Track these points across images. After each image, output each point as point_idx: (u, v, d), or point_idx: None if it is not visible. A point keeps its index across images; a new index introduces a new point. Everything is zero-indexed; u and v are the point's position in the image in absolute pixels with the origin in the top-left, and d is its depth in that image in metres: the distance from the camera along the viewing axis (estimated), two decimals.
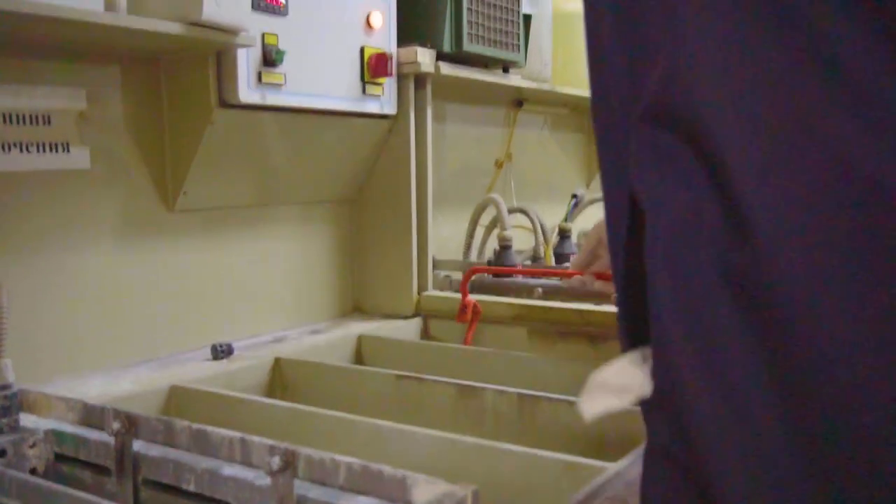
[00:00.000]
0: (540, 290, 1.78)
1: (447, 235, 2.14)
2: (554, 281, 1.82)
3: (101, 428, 0.91)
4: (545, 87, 2.21)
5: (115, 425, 0.88)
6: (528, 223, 2.10)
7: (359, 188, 1.87)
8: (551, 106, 2.57)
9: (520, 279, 1.85)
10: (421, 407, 1.28)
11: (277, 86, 1.48)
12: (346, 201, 1.87)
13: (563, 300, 1.75)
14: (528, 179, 2.54)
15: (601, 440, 1.14)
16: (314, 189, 1.77)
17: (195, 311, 1.54)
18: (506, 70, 2.06)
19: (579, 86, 2.40)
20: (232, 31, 1.33)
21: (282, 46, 1.47)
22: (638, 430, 1.14)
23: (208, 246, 1.56)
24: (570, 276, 1.32)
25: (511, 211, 2.11)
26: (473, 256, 2.11)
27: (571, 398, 1.17)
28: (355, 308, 1.91)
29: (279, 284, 1.72)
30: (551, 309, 1.67)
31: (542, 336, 1.67)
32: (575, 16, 2.37)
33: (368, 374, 1.37)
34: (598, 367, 0.60)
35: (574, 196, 2.20)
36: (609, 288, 1.28)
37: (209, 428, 0.83)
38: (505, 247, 1.90)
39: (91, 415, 0.92)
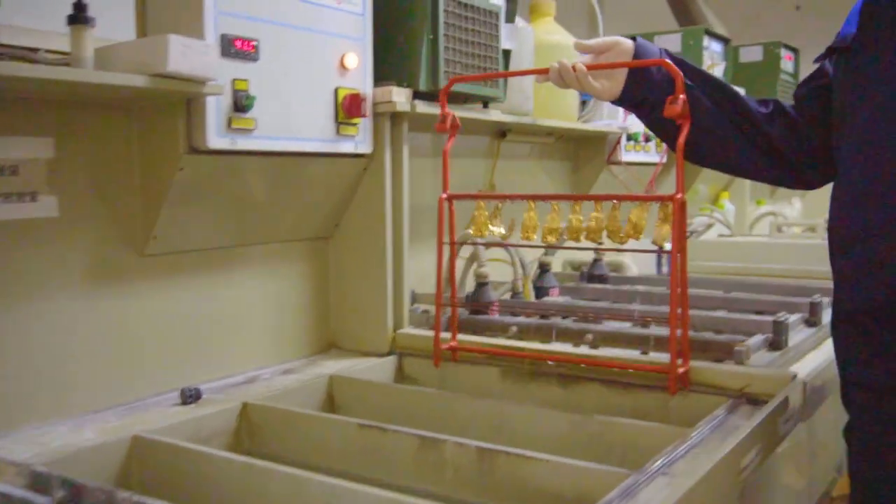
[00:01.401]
0: (514, 328, 1.78)
1: (428, 269, 2.14)
2: (528, 319, 1.82)
3: (48, 493, 0.92)
4: (526, 120, 2.21)
5: (60, 493, 0.88)
6: (508, 257, 2.10)
7: (335, 225, 1.88)
8: (536, 135, 2.57)
9: (495, 317, 1.86)
10: (382, 458, 1.28)
11: (248, 131, 1.49)
12: (322, 238, 1.88)
13: (535, 339, 1.75)
14: (515, 208, 2.53)
15: (559, 497, 1.14)
16: (289, 228, 1.77)
17: (165, 354, 1.54)
18: (486, 105, 2.06)
19: (562, 117, 2.41)
20: (199, 81, 1.34)
21: (253, 91, 1.48)
22: (595, 486, 1.14)
23: (179, 288, 1.56)
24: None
25: (490, 245, 2.11)
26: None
27: (529, 453, 1.17)
28: (332, 345, 1.91)
29: (253, 324, 1.72)
30: (524, 349, 1.67)
31: (515, 377, 1.67)
32: (556, 47, 2.38)
33: (331, 423, 1.37)
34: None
35: None
36: (610, 92, 1.44)
37: (149, 501, 0.83)
38: (481, 283, 1.90)
39: (38, 481, 0.92)
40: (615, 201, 1.51)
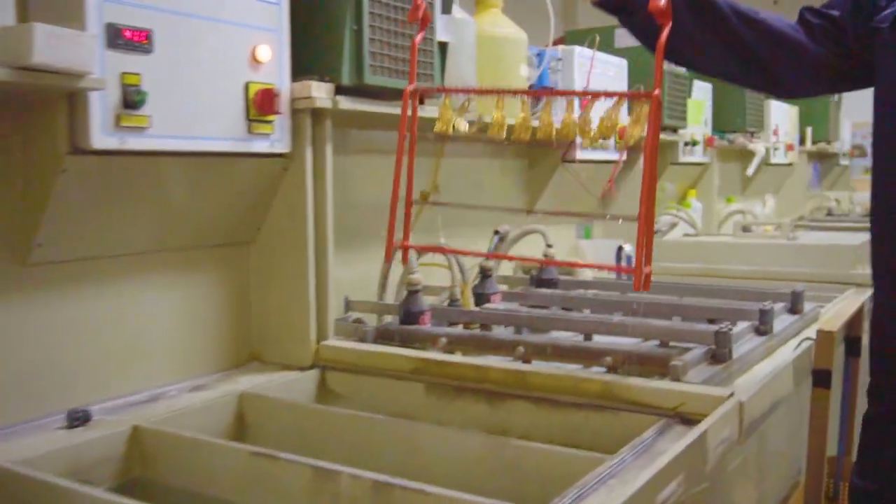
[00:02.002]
0: (444, 339, 1.67)
1: (365, 274, 2.03)
2: (460, 330, 1.71)
3: None
4: (468, 117, 2.09)
5: None
6: (445, 261, 1.99)
7: (255, 229, 1.76)
8: (485, 132, 2.45)
9: (425, 327, 1.74)
10: (275, 489, 1.17)
11: (140, 129, 1.36)
12: (241, 243, 1.76)
13: (467, 351, 1.64)
14: (461, 211, 2.42)
15: None
16: (199, 233, 1.65)
17: (53, 371, 1.42)
18: (422, 101, 1.94)
19: (508, 114, 2.29)
20: (74, 74, 1.21)
21: (146, 86, 1.36)
22: None
23: (70, 300, 1.44)
24: None
25: (426, 249, 2.00)
26: (390, 297, 1.99)
27: (428, 488, 1.06)
28: (254, 357, 1.79)
29: (158, 337, 1.60)
30: (449, 364, 1.56)
31: (440, 392, 1.56)
32: (503, 41, 2.27)
33: (222, 450, 1.25)
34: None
35: (496, 232, 2.09)
36: None
37: None
38: (412, 291, 1.79)
39: None
40: (589, 97, 1.52)
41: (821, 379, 1.74)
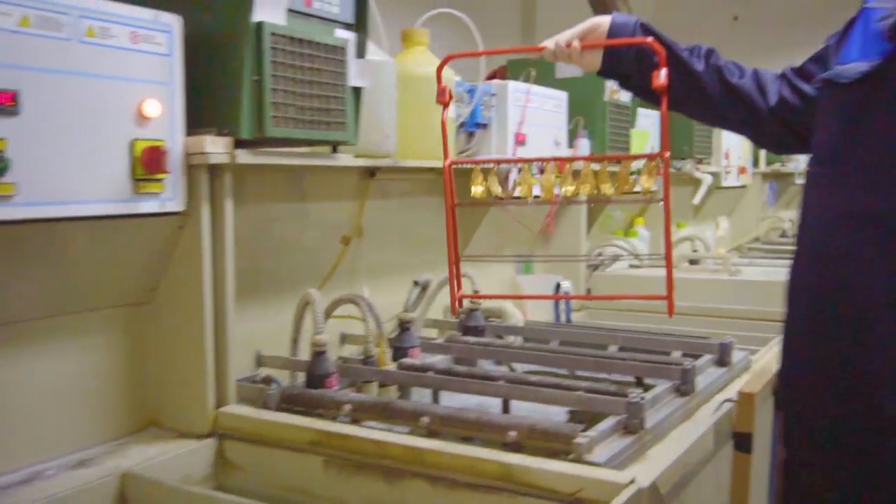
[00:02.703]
0: (348, 406, 1.58)
1: (277, 327, 1.94)
2: (365, 396, 1.63)
3: None
4: (386, 163, 2.02)
5: None
6: (359, 312, 1.91)
7: (151, 289, 1.66)
8: (413, 172, 2.38)
9: (330, 392, 1.66)
10: None
11: (5, 198, 1.27)
12: (137, 304, 1.66)
13: (371, 417, 1.56)
14: (386, 256, 2.35)
15: None
16: (88, 297, 1.56)
17: None
18: (335, 149, 1.87)
19: (431, 156, 2.22)
20: None
21: (11, 152, 1.26)
22: None
23: None
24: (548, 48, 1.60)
25: (340, 301, 1.92)
26: (301, 353, 1.91)
27: None
28: (152, 422, 1.69)
29: (46, 408, 1.50)
30: (349, 437, 1.48)
31: (339, 467, 1.48)
32: (427, 79, 2.19)
33: None
34: None
35: (416, 283, 2.02)
36: (593, 64, 1.60)
37: None
38: (318, 353, 1.70)
39: None
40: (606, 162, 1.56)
41: (742, 443, 1.68)
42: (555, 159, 1.60)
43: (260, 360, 1.91)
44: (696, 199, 3.82)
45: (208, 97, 1.60)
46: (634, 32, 1.56)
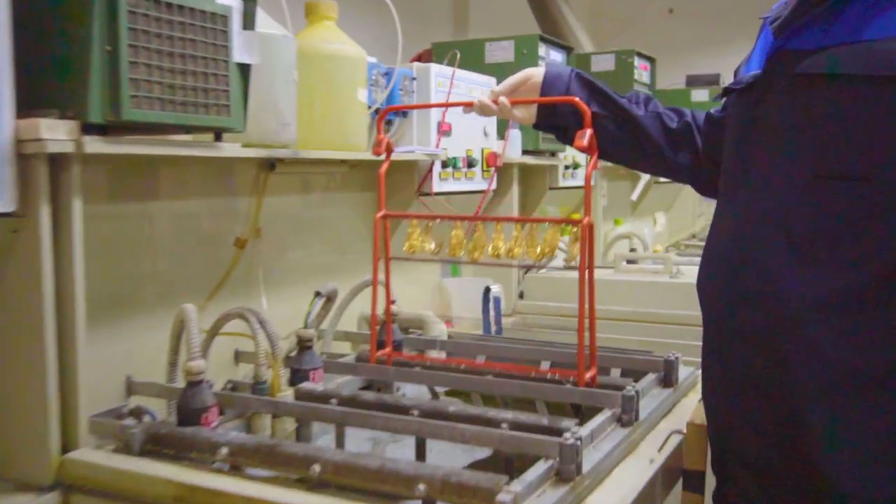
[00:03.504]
0: (225, 450, 1.30)
1: (149, 347, 1.65)
2: (246, 437, 1.34)
3: None
4: (284, 153, 1.73)
5: None
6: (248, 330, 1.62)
7: None
8: (320, 165, 2.10)
9: (205, 431, 1.37)
10: None
11: None
12: None
13: (253, 464, 1.28)
14: (290, 261, 2.06)
15: None
16: None
17: None
18: (218, 137, 1.57)
19: (344, 145, 1.94)
20: None
21: None
22: None
23: None
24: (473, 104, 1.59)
25: (228, 317, 1.63)
26: (179, 380, 1.61)
27: None
28: None
29: None
30: (218, 493, 1.20)
31: None
32: (334, 58, 1.91)
33: None
34: None
35: (318, 294, 1.74)
36: (528, 117, 1.58)
37: None
38: (193, 382, 1.41)
39: None
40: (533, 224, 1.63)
41: (692, 482, 1.46)
42: (484, 219, 1.68)
43: (131, 388, 1.61)
44: (634, 195, 3.63)
45: (50, 72, 1.30)
46: (570, 83, 1.53)
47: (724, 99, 1.45)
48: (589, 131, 1.43)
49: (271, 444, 1.29)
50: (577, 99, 1.46)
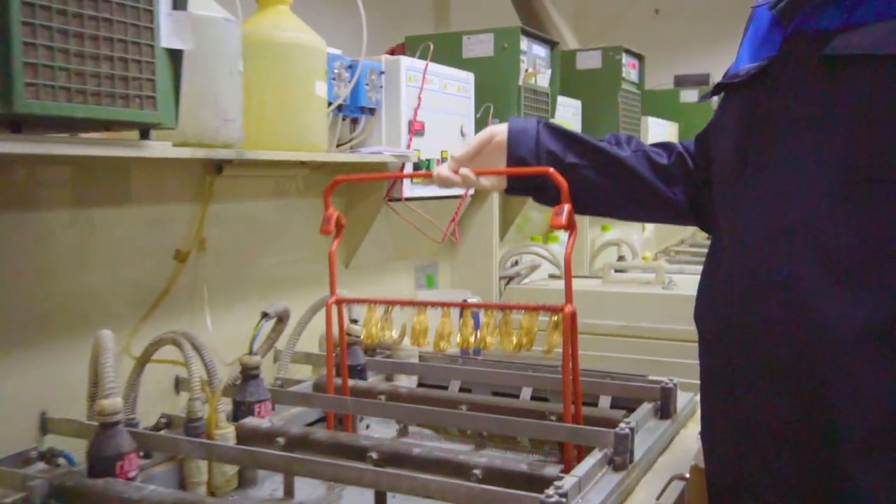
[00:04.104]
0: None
1: (73, 377, 1.43)
2: (163, 492, 1.12)
3: None
4: (225, 154, 1.51)
5: None
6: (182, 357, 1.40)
7: None
8: (276, 167, 1.88)
9: (118, 484, 1.15)
10: None
11: None
12: None
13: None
14: (239, 275, 1.84)
15: None
16: None
17: None
18: (145, 135, 1.35)
19: (297, 146, 1.72)
20: None
21: None
22: None
23: None
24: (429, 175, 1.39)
25: (161, 342, 1.41)
26: None
27: None
28: None
29: None
30: None
31: None
32: (287, 47, 1.70)
33: None
34: None
35: (265, 315, 1.52)
36: (498, 184, 1.38)
37: None
38: (107, 424, 1.19)
39: None
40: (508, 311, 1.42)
41: None
42: (441, 304, 1.46)
43: (45, 426, 1.39)
44: None
45: None
46: (539, 136, 1.34)
47: (713, 98, 1.24)
48: (567, 207, 1.25)
49: (190, 501, 1.07)
50: (551, 170, 1.27)
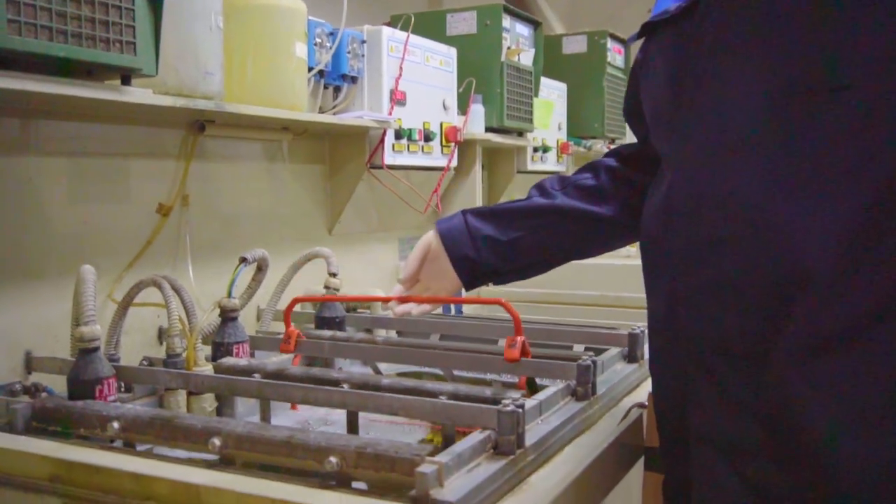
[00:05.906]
0: (116, 425, 1.13)
1: (55, 317, 1.48)
2: (142, 409, 1.17)
3: None
4: (205, 105, 1.56)
5: None
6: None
7: None
8: (258, 131, 1.93)
9: (96, 406, 1.20)
10: None
11: None
12: None
13: (147, 439, 1.11)
14: (223, 233, 1.89)
15: None
16: None
17: None
18: (126, 80, 1.40)
19: (279, 103, 1.77)
20: None
21: None
22: None
23: None
24: (391, 299, 1.38)
25: (141, 285, 1.46)
26: None
27: None
28: None
29: None
30: (101, 470, 1.02)
31: None
32: (265, 7, 1.75)
33: None
34: None
35: (243, 259, 1.57)
36: (450, 284, 1.34)
37: None
38: (86, 350, 1.23)
39: None
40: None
41: (653, 461, 1.29)
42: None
43: (30, 364, 1.44)
44: None
45: None
46: (469, 229, 1.32)
47: (640, 41, 1.18)
48: (520, 339, 1.30)
49: (167, 417, 1.12)
50: (503, 301, 1.32)
